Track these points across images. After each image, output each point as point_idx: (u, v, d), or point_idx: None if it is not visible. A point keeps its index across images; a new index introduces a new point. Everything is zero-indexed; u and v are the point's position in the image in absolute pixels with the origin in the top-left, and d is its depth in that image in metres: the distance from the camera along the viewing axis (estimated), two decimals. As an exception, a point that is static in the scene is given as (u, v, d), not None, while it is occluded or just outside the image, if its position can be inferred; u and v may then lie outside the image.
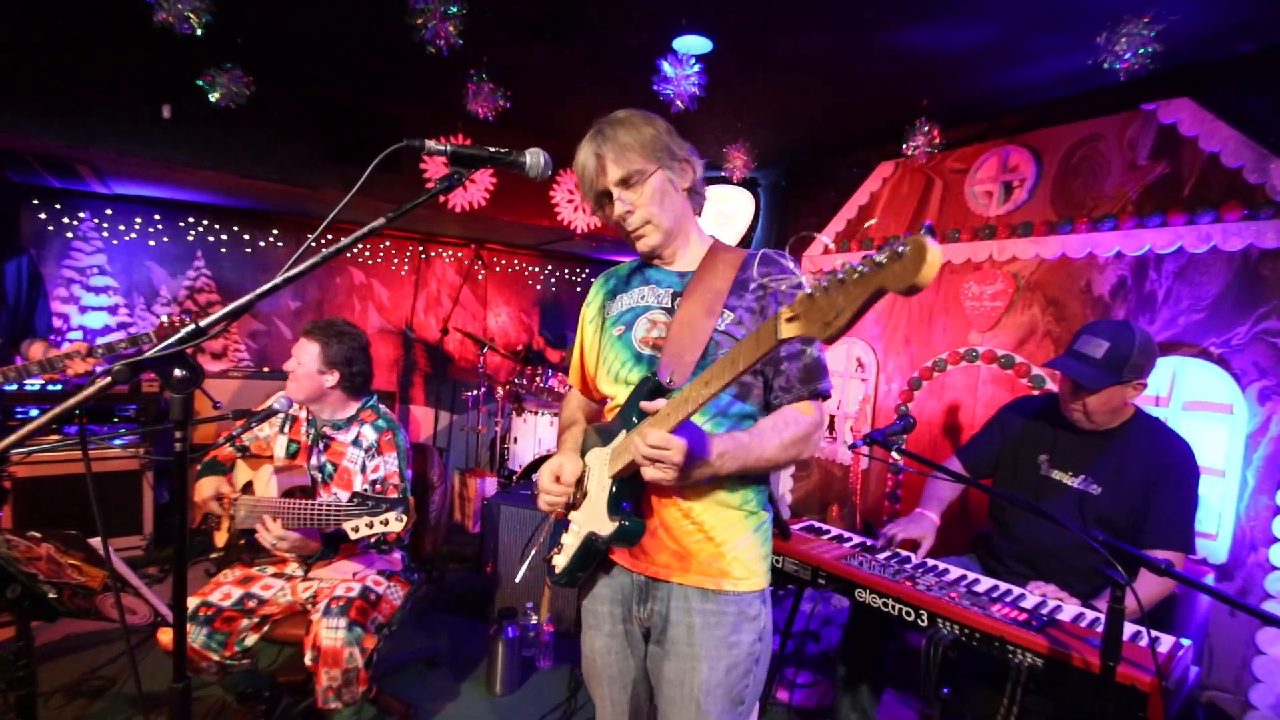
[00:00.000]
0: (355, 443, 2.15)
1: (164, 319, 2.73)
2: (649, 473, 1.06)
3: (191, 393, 0.93)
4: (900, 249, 0.71)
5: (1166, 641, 1.50)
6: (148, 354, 0.88)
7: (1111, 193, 2.77)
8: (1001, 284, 3.12)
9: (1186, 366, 2.52)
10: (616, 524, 1.17)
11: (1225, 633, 2.35)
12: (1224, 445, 2.43)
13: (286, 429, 2.20)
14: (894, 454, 1.78)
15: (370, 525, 1.81)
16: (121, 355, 2.47)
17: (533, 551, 1.47)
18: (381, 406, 2.25)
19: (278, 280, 0.96)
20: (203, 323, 0.92)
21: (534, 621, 2.77)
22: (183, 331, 0.91)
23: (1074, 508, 1.94)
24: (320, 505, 1.88)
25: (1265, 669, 2.25)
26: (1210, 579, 2.37)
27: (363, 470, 2.12)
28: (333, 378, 2.11)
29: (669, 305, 1.28)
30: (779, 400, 1.25)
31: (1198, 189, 2.53)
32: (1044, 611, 1.62)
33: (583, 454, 1.34)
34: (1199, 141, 2.51)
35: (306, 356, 2.09)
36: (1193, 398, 2.52)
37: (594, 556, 1.27)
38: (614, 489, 1.20)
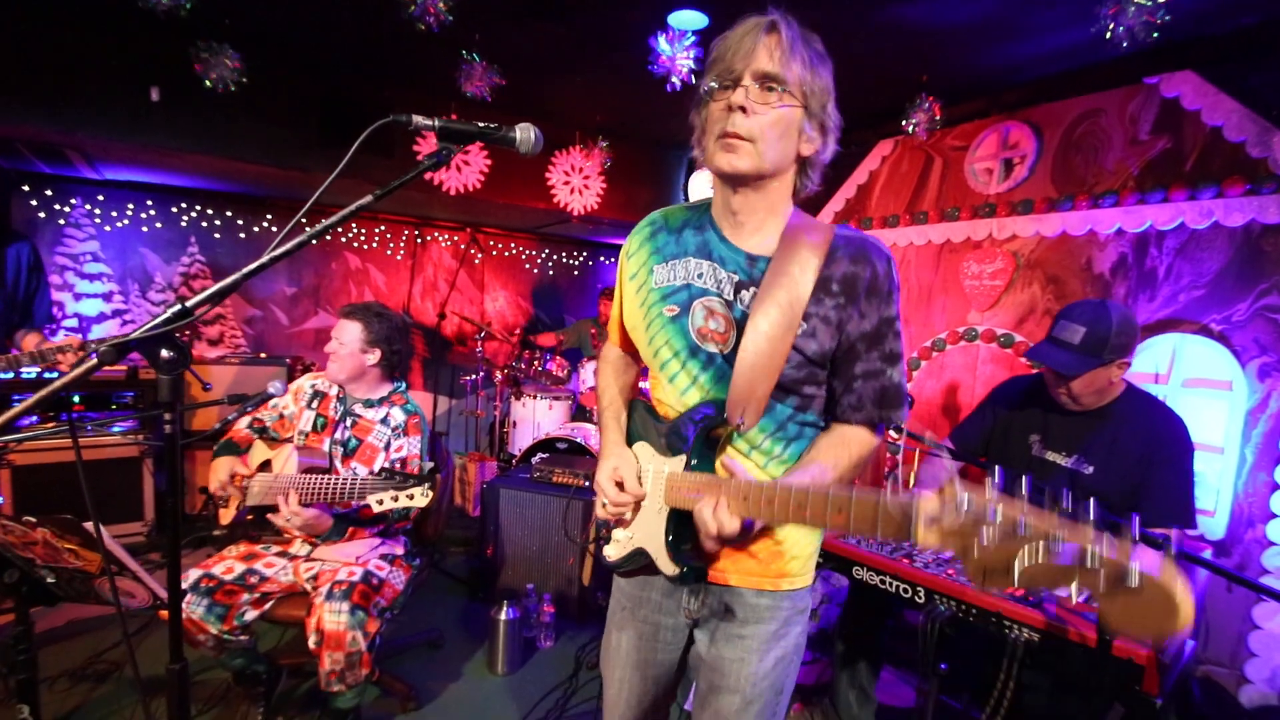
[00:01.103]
0: (384, 421, 2.20)
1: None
2: (707, 543, 1.03)
3: (180, 374, 0.92)
4: (1133, 581, 0.57)
5: (1163, 616, 1.50)
6: (133, 335, 0.87)
7: (1113, 168, 2.74)
8: (1001, 262, 3.10)
9: (1187, 343, 2.52)
10: (680, 571, 1.11)
11: (1222, 608, 2.37)
12: (1223, 422, 2.43)
13: (315, 405, 2.23)
14: (891, 432, 1.77)
15: (395, 499, 1.84)
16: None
17: (585, 535, 1.40)
18: (410, 394, 2.30)
19: (264, 259, 0.95)
20: (189, 303, 0.90)
21: (535, 602, 2.78)
22: (169, 312, 0.89)
23: (1066, 488, 1.93)
24: (344, 479, 1.90)
25: (1261, 643, 2.27)
26: (1208, 555, 2.38)
27: (386, 448, 2.17)
28: (374, 356, 2.17)
29: (730, 297, 1.09)
30: (845, 418, 1.12)
31: (1200, 164, 2.50)
32: (1041, 588, 1.63)
33: (629, 439, 1.26)
34: (1202, 115, 2.48)
35: (348, 336, 2.14)
36: (1193, 375, 2.52)
37: (643, 563, 1.21)
38: (671, 532, 1.12)
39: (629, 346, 1.34)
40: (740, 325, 1.08)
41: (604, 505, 1.20)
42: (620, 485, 1.18)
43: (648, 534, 1.17)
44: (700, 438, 1.09)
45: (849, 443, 1.11)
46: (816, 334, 1.06)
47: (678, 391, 1.16)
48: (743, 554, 1.14)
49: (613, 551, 1.25)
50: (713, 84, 1.04)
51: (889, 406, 1.10)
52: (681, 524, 1.10)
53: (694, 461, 1.09)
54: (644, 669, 1.26)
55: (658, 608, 1.24)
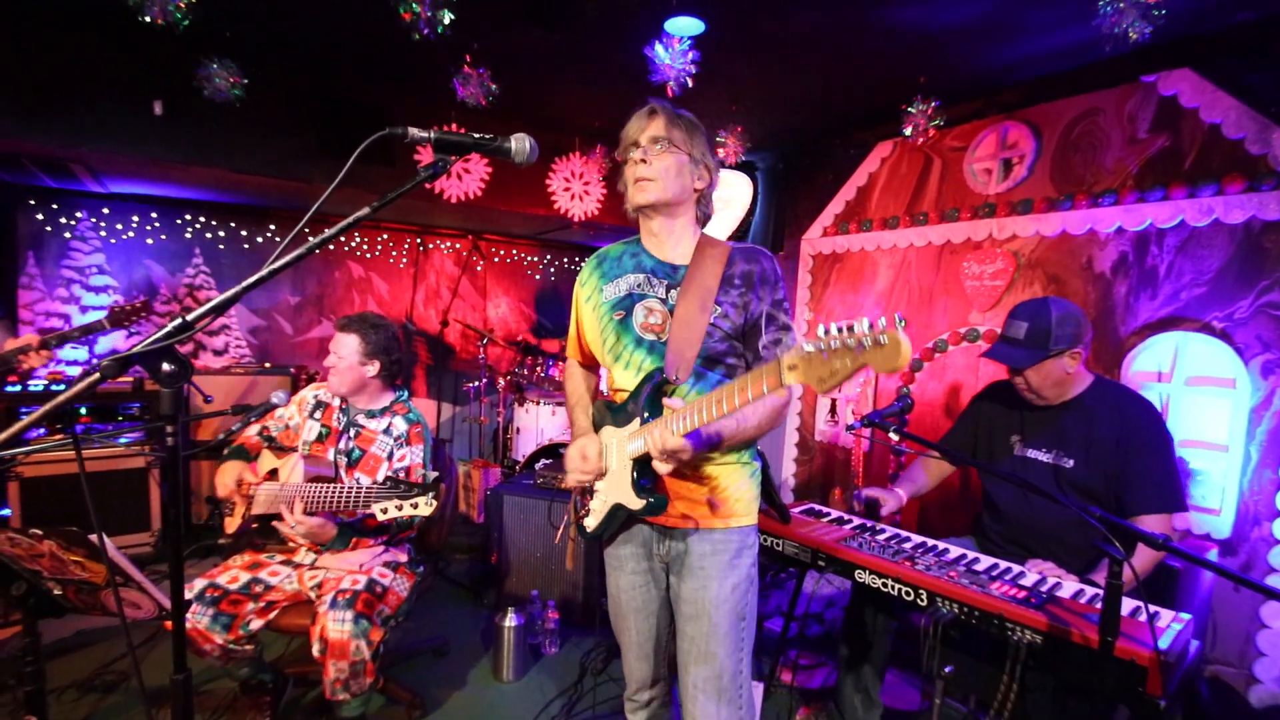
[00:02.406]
0: (386, 431, 2.21)
1: (113, 304, 2.77)
2: (661, 466, 1.28)
3: (181, 387, 0.94)
4: (882, 339, 0.91)
5: (1166, 616, 1.50)
6: (135, 349, 0.88)
7: (1112, 167, 2.74)
8: (1002, 263, 3.09)
9: (1189, 341, 2.51)
10: (644, 502, 1.38)
11: (1229, 607, 2.35)
12: (1227, 420, 2.41)
13: (318, 415, 2.24)
14: (891, 434, 1.78)
15: (400, 507, 1.85)
16: (70, 342, 2.66)
17: (565, 519, 1.65)
18: (413, 402, 2.31)
19: (263, 273, 0.96)
20: (189, 316, 0.92)
21: (539, 609, 2.79)
22: (170, 326, 0.91)
23: (1051, 483, 1.94)
24: (349, 487, 1.91)
25: (1269, 642, 2.25)
26: (1214, 554, 2.37)
27: (389, 458, 2.18)
28: (374, 367, 2.18)
29: (663, 296, 1.45)
30: None
31: (1199, 161, 2.49)
32: (1043, 589, 1.62)
33: (595, 428, 1.53)
34: (1200, 113, 2.47)
35: (346, 350, 2.15)
36: (1196, 373, 2.51)
37: (620, 519, 1.47)
38: (635, 472, 1.39)
39: (588, 360, 1.67)
40: (672, 314, 1.44)
41: (568, 475, 1.49)
42: (586, 459, 1.46)
43: (618, 488, 1.44)
44: (651, 397, 1.38)
45: (765, 398, 1.36)
46: (729, 315, 1.41)
47: (631, 375, 1.47)
48: (697, 504, 1.44)
49: (591, 522, 1.52)
50: (624, 156, 1.45)
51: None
52: (642, 468, 1.39)
53: (646, 415, 1.38)
54: (644, 610, 1.56)
55: (638, 558, 1.53)
